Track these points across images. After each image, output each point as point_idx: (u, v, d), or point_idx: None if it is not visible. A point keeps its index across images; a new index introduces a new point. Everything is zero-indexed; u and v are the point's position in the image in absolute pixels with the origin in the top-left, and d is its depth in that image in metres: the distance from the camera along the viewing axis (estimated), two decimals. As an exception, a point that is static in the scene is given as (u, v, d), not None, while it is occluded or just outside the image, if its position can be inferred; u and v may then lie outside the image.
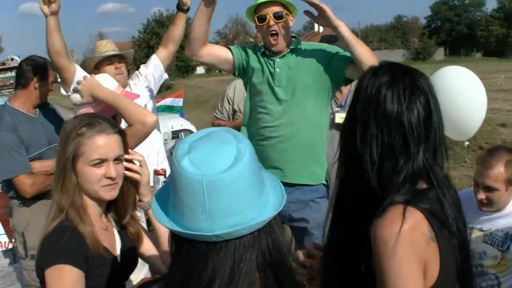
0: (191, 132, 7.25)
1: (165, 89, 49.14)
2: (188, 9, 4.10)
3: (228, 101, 4.51)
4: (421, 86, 1.66)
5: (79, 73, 3.69)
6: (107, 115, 2.68)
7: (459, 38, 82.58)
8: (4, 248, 6.41)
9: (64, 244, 1.91)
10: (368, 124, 1.63)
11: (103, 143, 2.02)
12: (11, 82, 17.61)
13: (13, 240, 5.47)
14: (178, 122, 9.68)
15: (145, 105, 3.90)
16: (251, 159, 1.40)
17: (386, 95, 1.62)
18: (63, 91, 3.75)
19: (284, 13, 3.43)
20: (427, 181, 1.65)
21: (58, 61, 3.57)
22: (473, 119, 4.31)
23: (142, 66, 4.22)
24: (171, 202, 1.43)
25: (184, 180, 1.36)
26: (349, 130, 1.69)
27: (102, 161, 2.03)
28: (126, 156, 2.19)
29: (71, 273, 1.89)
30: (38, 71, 4.00)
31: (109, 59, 3.99)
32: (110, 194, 2.08)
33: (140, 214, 2.52)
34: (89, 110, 2.97)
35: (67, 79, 3.67)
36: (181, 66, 58.65)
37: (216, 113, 4.69)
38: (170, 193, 1.44)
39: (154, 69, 4.16)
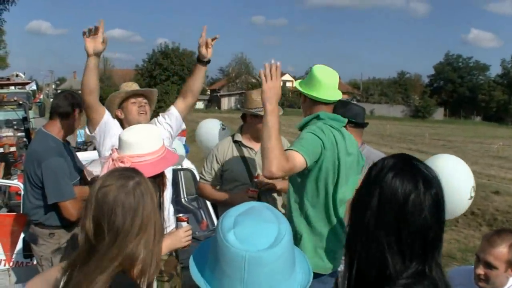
0: (192, 172, 7.23)
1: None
2: (208, 62, 4.12)
3: (218, 161, 4.50)
4: (442, 201, 1.69)
5: (107, 117, 3.81)
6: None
7: (460, 100, 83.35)
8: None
9: None
10: (390, 227, 1.65)
11: None
12: (15, 98, 17.70)
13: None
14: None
15: None
16: (289, 241, 1.57)
17: (414, 206, 1.63)
18: (87, 131, 3.86)
19: None
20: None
21: (90, 101, 3.65)
22: (461, 204, 4.44)
23: (161, 116, 4.20)
24: (210, 267, 1.60)
25: (228, 253, 1.51)
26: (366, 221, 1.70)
27: None
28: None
29: None
30: (79, 105, 4.21)
31: (134, 98, 3.99)
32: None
33: None
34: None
35: (95, 120, 3.76)
36: (181, 100, 59.13)
37: (204, 175, 4.55)
38: (210, 258, 1.60)
39: (174, 121, 4.16)
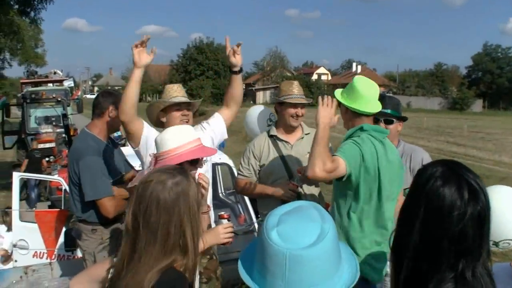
0: (229, 167, 7.26)
1: (198, 114, 49.72)
2: (240, 70, 4.20)
3: (255, 157, 4.54)
4: (487, 213, 1.70)
5: (147, 130, 3.86)
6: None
7: (499, 91, 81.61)
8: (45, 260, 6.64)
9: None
10: (434, 235, 1.67)
11: None
12: (54, 95, 17.99)
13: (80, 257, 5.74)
14: (216, 155, 9.79)
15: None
16: (332, 240, 1.60)
17: (458, 216, 1.64)
18: (130, 146, 3.96)
19: None
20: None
21: (131, 113, 3.68)
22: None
23: (205, 122, 4.28)
24: (256, 265, 1.67)
25: (271, 250, 1.57)
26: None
27: None
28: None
29: None
30: (113, 101, 4.27)
31: (178, 105, 4.04)
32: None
33: None
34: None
35: (135, 133, 3.81)
36: (216, 94, 59.20)
37: (241, 171, 4.63)
38: (257, 257, 1.67)
39: (218, 127, 4.24)
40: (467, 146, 27.76)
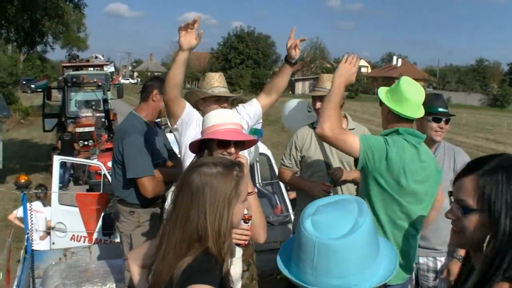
0: (267, 157, 7.26)
1: (238, 103, 49.77)
2: (295, 63, 4.17)
3: (297, 148, 4.56)
4: None
5: (189, 108, 3.84)
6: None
7: (541, 89, 79.75)
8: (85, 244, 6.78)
9: (212, 270, 2.04)
10: None
11: (249, 178, 2.24)
12: (95, 80, 18.22)
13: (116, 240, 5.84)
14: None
15: None
16: (366, 234, 1.61)
17: None
18: (169, 124, 3.93)
19: None
20: None
21: (173, 93, 3.64)
22: None
23: (240, 106, 4.26)
24: (293, 255, 1.69)
25: (303, 238, 1.62)
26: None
27: (248, 195, 2.24)
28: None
29: None
30: (158, 86, 4.33)
31: (218, 98, 4.06)
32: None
33: None
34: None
35: (176, 113, 3.78)
36: (255, 83, 59.33)
37: (284, 161, 4.66)
38: (294, 246, 1.70)
39: (253, 113, 4.21)
40: (507, 144, 27.29)
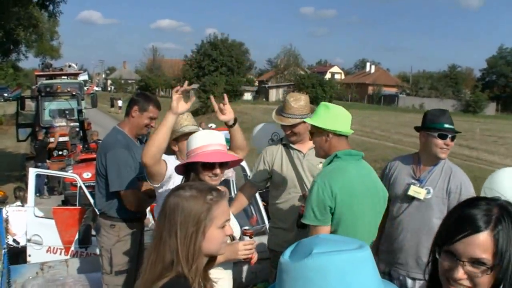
0: (242, 166, 7.32)
1: (211, 111, 49.74)
2: (234, 123, 4.01)
3: (265, 163, 4.55)
4: None
5: (170, 168, 3.70)
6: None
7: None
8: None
9: None
10: None
11: (226, 206, 2.23)
12: (69, 89, 18.10)
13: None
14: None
15: None
16: (350, 261, 1.36)
17: None
18: (151, 184, 3.83)
19: None
20: None
21: (156, 158, 3.53)
22: None
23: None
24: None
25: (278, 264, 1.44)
26: None
27: (226, 221, 2.22)
28: None
29: None
30: (139, 102, 4.38)
31: (189, 135, 4.02)
32: (224, 249, 2.26)
33: None
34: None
35: (158, 173, 3.68)
36: (229, 90, 59.21)
37: (250, 176, 4.72)
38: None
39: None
40: (479, 150, 27.63)
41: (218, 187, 2.92)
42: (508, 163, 23.56)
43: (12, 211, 5.55)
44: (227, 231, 2.22)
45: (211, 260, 2.31)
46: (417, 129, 4.10)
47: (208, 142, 3.09)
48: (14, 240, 7.82)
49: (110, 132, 4.53)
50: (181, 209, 2.11)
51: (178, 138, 4.08)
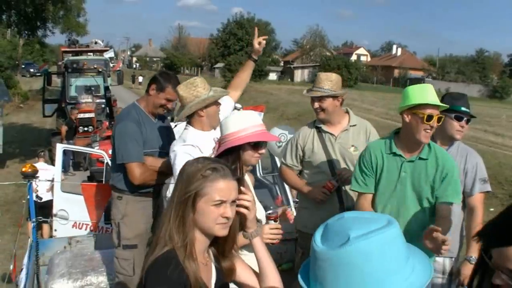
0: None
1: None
2: (257, 60, 4.58)
3: (298, 147, 4.59)
4: None
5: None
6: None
7: (541, 81, 79.49)
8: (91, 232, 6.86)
9: (169, 275, 2.07)
10: None
11: (225, 187, 2.20)
12: (95, 66, 18.19)
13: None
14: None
15: None
16: (383, 242, 1.39)
17: None
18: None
19: None
20: None
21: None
22: None
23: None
24: (310, 270, 1.53)
25: (311, 249, 1.47)
26: None
27: (221, 202, 2.20)
28: (240, 196, 2.35)
29: None
30: (158, 81, 4.36)
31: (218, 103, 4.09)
32: (223, 231, 2.25)
33: None
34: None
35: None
36: (254, 70, 58.78)
37: (285, 159, 4.70)
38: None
39: (228, 109, 4.32)
40: (505, 136, 27.20)
41: (247, 174, 2.99)
42: (534, 150, 23.25)
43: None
44: (225, 213, 2.19)
45: (228, 241, 2.35)
46: None
47: (253, 123, 3.11)
48: (36, 196, 7.97)
49: (127, 106, 4.59)
50: (181, 174, 2.21)
51: (208, 105, 3.97)
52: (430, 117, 3.41)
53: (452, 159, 3.68)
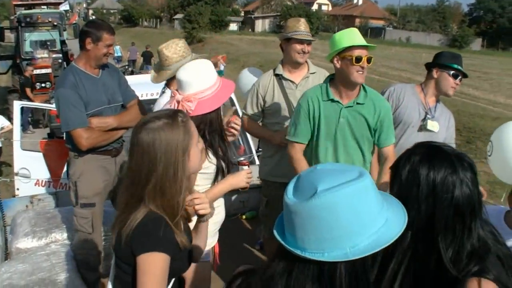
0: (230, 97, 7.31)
1: (196, 41, 49.09)
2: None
3: (258, 96, 4.58)
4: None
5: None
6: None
7: (499, 31, 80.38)
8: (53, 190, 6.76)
9: (162, 236, 2.07)
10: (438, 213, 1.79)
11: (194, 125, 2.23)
12: (50, 19, 17.68)
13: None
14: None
15: None
16: (352, 194, 1.38)
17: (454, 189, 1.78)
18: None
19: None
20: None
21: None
22: None
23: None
24: (285, 223, 1.53)
25: (283, 203, 1.46)
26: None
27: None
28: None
29: (165, 260, 2.08)
30: (90, 33, 4.18)
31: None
32: (201, 166, 2.32)
33: None
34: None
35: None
36: (214, 21, 58.20)
37: (246, 109, 4.70)
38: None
39: None
40: (463, 85, 27.34)
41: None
42: (491, 98, 23.80)
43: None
44: (200, 145, 2.27)
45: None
46: (429, 65, 4.36)
47: (213, 77, 3.07)
48: None
49: (64, 70, 4.43)
50: (159, 141, 2.08)
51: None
52: (359, 59, 3.48)
53: (387, 102, 3.86)
